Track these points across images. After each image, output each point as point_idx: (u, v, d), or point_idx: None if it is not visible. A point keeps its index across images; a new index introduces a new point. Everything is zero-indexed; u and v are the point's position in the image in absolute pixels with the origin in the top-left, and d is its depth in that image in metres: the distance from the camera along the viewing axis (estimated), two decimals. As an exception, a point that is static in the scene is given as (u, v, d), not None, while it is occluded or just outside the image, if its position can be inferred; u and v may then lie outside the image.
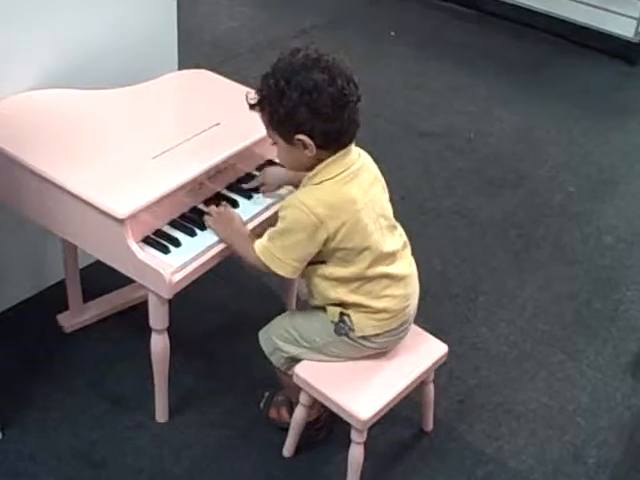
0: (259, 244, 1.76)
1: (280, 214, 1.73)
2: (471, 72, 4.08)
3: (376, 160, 1.85)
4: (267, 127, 1.71)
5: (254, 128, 2.05)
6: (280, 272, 1.75)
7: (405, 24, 4.50)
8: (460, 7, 4.69)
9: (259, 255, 1.75)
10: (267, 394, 2.20)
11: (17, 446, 2.07)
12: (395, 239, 1.83)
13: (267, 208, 2.01)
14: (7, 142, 1.94)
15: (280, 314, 2.00)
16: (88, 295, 2.42)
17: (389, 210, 1.83)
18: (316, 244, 1.71)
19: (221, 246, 1.89)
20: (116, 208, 1.76)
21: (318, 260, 1.75)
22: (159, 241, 1.86)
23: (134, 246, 1.80)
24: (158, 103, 2.19)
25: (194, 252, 1.86)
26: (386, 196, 1.84)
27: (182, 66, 2.54)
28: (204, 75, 2.33)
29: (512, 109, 3.79)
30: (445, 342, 2.00)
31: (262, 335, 1.98)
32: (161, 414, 2.15)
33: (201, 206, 1.98)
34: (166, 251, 1.84)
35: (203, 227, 1.91)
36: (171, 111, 2.16)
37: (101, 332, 2.41)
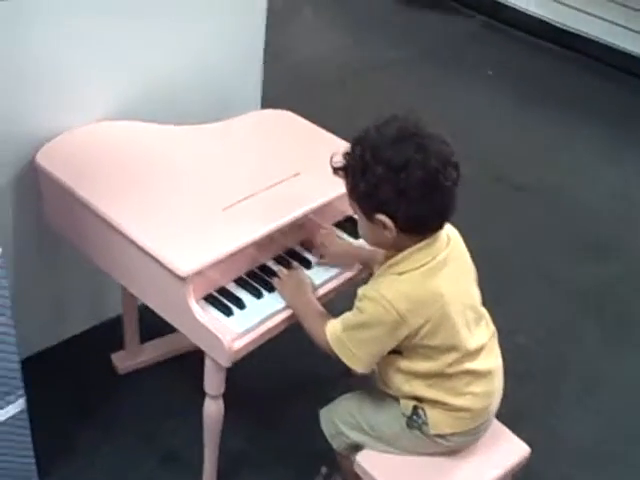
0: (332, 331, 1.58)
1: (357, 304, 1.55)
2: (572, 121, 3.80)
3: (460, 212, 1.61)
4: (349, 196, 1.53)
5: (336, 181, 1.90)
6: (352, 366, 1.56)
7: (505, 64, 4.25)
8: (566, 50, 4.41)
9: (331, 343, 1.57)
10: (324, 470, 2.02)
11: (53, 500, 1.94)
12: (482, 332, 1.63)
13: (341, 273, 1.83)
14: (71, 176, 1.81)
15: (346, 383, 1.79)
16: (145, 334, 2.28)
17: (477, 299, 1.64)
18: (395, 340, 1.53)
19: (289, 312, 1.71)
20: (179, 265, 1.61)
21: (394, 350, 1.56)
22: (222, 301, 1.70)
23: (195, 307, 1.64)
24: (235, 146, 2.03)
25: (259, 317, 1.69)
26: (475, 283, 1.64)
27: (264, 90, 2.40)
28: (286, 117, 2.16)
29: (613, 164, 3.52)
30: (523, 430, 1.78)
31: (324, 415, 1.79)
32: (208, 480, 1.99)
33: (271, 264, 1.81)
34: (228, 313, 1.68)
35: (271, 288, 1.74)
36: (249, 156, 1.99)
37: (156, 377, 2.28)
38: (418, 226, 1.47)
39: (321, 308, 1.69)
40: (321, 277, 1.79)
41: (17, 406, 1.70)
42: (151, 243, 1.66)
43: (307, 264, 1.82)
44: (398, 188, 1.41)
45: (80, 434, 2.09)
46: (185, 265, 1.61)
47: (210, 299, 1.70)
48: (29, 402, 1.76)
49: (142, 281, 1.76)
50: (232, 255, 1.68)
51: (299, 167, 1.93)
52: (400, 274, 1.50)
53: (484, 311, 1.67)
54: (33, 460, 1.86)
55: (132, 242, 1.67)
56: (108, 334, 2.34)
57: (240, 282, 1.76)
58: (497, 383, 1.67)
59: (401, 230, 1.46)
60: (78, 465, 2.02)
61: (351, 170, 1.48)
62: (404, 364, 1.58)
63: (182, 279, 1.61)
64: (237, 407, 1.93)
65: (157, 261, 1.63)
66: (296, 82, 3.79)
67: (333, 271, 1.82)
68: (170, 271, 1.61)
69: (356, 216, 1.86)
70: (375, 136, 1.45)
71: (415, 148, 1.41)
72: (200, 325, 1.63)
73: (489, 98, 3.94)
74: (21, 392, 1.70)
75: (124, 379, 2.26)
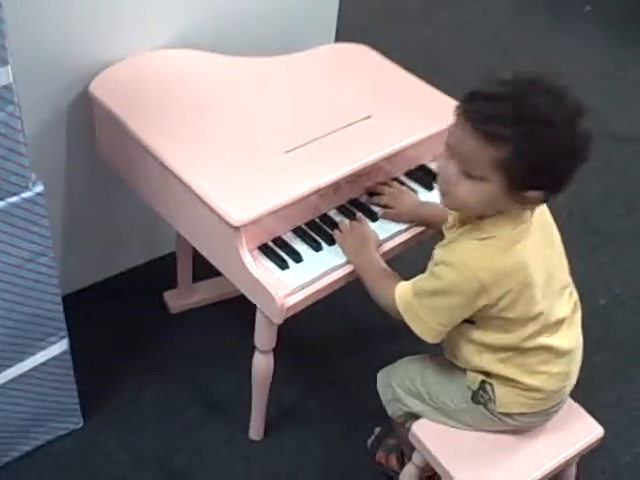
0: (402, 294, 1.43)
1: (433, 269, 1.40)
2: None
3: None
4: (480, 165, 1.29)
5: (411, 126, 1.74)
6: (421, 335, 1.42)
7: (605, -2, 3.91)
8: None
9: (399, 308, 1.43)
10: (378, 431, 1.91)
11: (96, 440, 1.88)
12: (564, 302, 1.46)
13: (409, 227, 1.68)
14: (125, 108, 1.70)
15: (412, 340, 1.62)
16: (200, 273, 2.17)
17: (564, 268, 1.47)
18: (471, 310, 1.38)
19: (349, 268, 1.58)
20: (232, 212, 1.48)
21: (466, 319, 1.41)
22: (278, 253, 1.57)
23: (247, 258, 1.52)
24: (303, 82, 1.87)
25: (316, 272, 1.56)
26: (560, 251, 1.47)
27: (339, 21, 2.21)
28: (362, 52, 1.99)
29: None
30: (597, 404, 1.66)
31: (381, 378, 1.67)
32: (255, 432, 1.90)
33: (332, 213, 1.67)
34: (284, 266, 1.56)
35: (332, 241, 1.61)
36: (317, 94, 1.83)
37: (209, 319, 2.19)
38: (543, 200, 1.34)
39: (386, 266, 1.55)
40: (388, 231, 1.65)
41: (59, 347, 1.63)
42: (203, 186, 1.53)
43: (373, 216, 1.68)
44: (569, 166, 1.27)
45: (126, 374, 2.02)
46: (238, 213, 1.48)
47: (265, 249, 1.58)
48: (74, 338, 1.70)
49: (193, 226, 1.65)
50: (291, 204, 1.55)
51: (372, 109, 1.77)
52: (482, 240, 1.35)
53: (569, 281, 1.51)
54: (76, 400, 1.80)
55: (183, 184, 1.56)
56: (161, 272, 2.25)
57: (298, 232, 1.63)
58: (575, 364, 1.52)
59: (527, 200, 1.31)
60: (122, 406, 1.96)
61: (515, 145, 1.24)
62: (476, 335, 1.43)
63: (235, 228, 1.49)
64: (291, 357, 1.83)
65: (208, 206, 1.51)
66: (376, 12, 3.57)
67: (401, 225, 1.67)
68: (222, 218, 1.49)
69: (434, 167, 1.72)
70: (550, 111, 1.24)
71: (583, 125, 1.26)
72: (252, 278, 1.51)
73: (587, 37, 3.64)
74: (63, 333, 1.62)
75: (175, 319, 2.18)
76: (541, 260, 1.39)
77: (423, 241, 1.69)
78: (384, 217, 1.68)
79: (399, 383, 1.61)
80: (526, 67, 1.30)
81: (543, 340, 1.43)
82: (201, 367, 2.06)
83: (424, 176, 1.78)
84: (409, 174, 1.79)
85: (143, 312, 2.17)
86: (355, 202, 1.71)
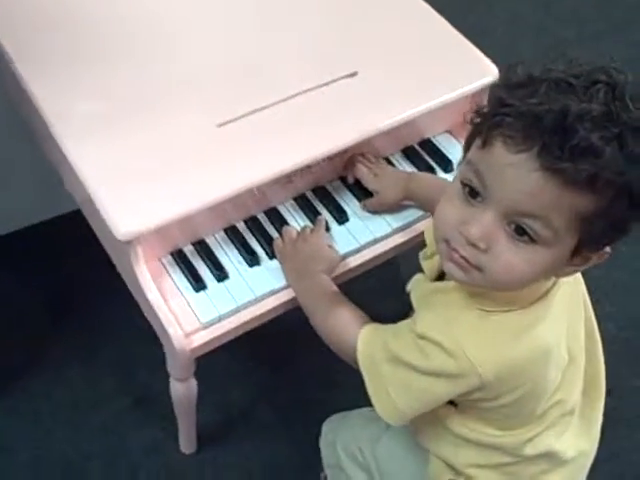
0: (367, 349, 0.99)
1: (418, 342, 0.92)
2: None
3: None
4: (556, 220, 0.79)
5: (413, 92, 1.25)
6: (381, 412, 0.98)
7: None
8: None
9: (360, 364, 0.99)
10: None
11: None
12: (576, 381, 1.03)
13: (384, 237, 1.22)
14: (10, 34, 1.24)
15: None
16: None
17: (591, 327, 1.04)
18: (455, 395, 0.95)
19: (290, 294, 1.15)
20: (120, 220, 1.05)
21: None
22: (194, 267, 1.15)
23: (144, 276, 1.10)
24: (269, 12, 1.36)
25: (244, 297, 1.14)
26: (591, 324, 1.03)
27: None
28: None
29: None
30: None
31: (326, 431, 1.27)
32: (186, 446, 1.54)
33: (284, 209, 1.23)
34: (199, 286, 1.14)
35: (272, 254, 1.18)
36: (290, 37, 1.32)
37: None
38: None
39: (340, 297, 1.10)
40: (347, 244, 1.20)
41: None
42: (85, 169, 1.10)
43: (341, 216, 1.23)
44: None
45: (48, 345, 1.66)
46: (129, 221, 1.05)
47: (179, 257, 1.16)
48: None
49: (85, 208, 1.23)
50: (217, 204, 1.11)
51: (362, 63, 1.27)
52: (490, 313, 0.90)
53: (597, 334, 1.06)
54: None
55: (74, 170, 1.12)
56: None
57: (232, 234, 1.20)
58: (582, 473, 1.09)
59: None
60: (36, 391, 1.61)
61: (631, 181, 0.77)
62: (456, 422, 1.01)
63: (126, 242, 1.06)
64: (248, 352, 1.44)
65: (93, 202, 1.08)
66: None
67: (382, 227, 1.22)
68: (107, 225, 1.06)
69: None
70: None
71: None
72: (148, 303, 1.10)
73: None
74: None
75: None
76: (565, 342, 0.95)
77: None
78: (367, 208, 1.24)
79: (345, 447, 1.21)
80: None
81: (544, 444, 1.00)
82: (143, 350, 1.67)
83: (429, 155, 1.31)
84: (406, 152, 1.32)
85: (82, 262, 1.75)
86: (320, 191, 1.26)
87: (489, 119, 0.80)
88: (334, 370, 1.28)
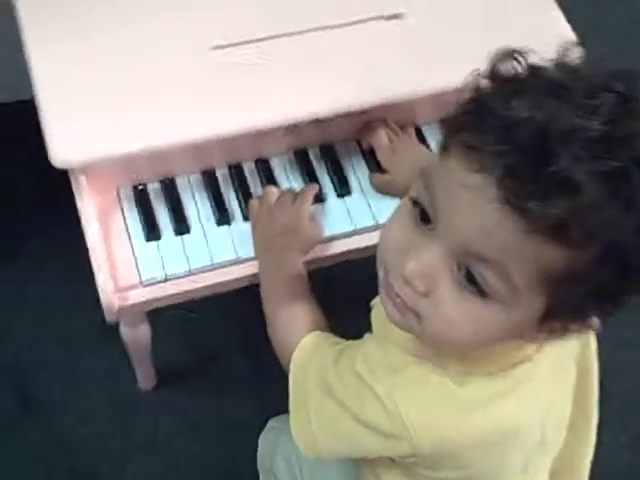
0: (303, 359, 0.81)
1: (357, 382, 0.73)
2: None
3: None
4: (518, 276, 0.58)
5: (471, 52, 1.01)
6: (295, 435, 0.81)
7: None
8: None
9: (291, 372, 0.82)
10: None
11: None
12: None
13: (379, 227, 1.02)
14: None
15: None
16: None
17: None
18: (385, 454, 0.77)
19: (253, 268, 0.97)
20: (60, 146, 0.87)
21: None
22: (152, 210, 0.98)
23: (87, 209, 0.93)
24: None
25: (199, 262, 0.96)
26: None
27: None
28: None
29: None
30: None
31: (274, 424, 1.11)
32: (144, 384, 1.41)
33: (275, 163, 1.04)
34: (152, 236, 0.96)
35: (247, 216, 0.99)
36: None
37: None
38: None
39: (304, 286, 0.91)
40: (345, 220, 1.00)
41: None
42: (44, 80, 0.91)
43: (343, 187, 1.02)
44: None
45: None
46: (71, 149, 0.87)
47: (140, 194, 0.99)
48: None
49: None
50: (194, 145, 0.93)
51: (412, 3, 1.03)
52: (448, 376, 0.69)
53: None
54: None
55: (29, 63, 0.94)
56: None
57: (207, 180, 1.01)
58: None
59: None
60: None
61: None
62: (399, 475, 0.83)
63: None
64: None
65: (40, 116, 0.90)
66: None
67: (374, 214, 1.02)
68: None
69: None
70: None
71: None
72: (90, 244, 0.93)
73: None
74: None
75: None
76: (540, 420, 0.75)
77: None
78: (373, 184, 1.03)
79: (286, 456, 1.04)
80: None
81: None
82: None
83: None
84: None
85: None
86: (326, 150, 1.05)
87: (456, 117, 0.59)
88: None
